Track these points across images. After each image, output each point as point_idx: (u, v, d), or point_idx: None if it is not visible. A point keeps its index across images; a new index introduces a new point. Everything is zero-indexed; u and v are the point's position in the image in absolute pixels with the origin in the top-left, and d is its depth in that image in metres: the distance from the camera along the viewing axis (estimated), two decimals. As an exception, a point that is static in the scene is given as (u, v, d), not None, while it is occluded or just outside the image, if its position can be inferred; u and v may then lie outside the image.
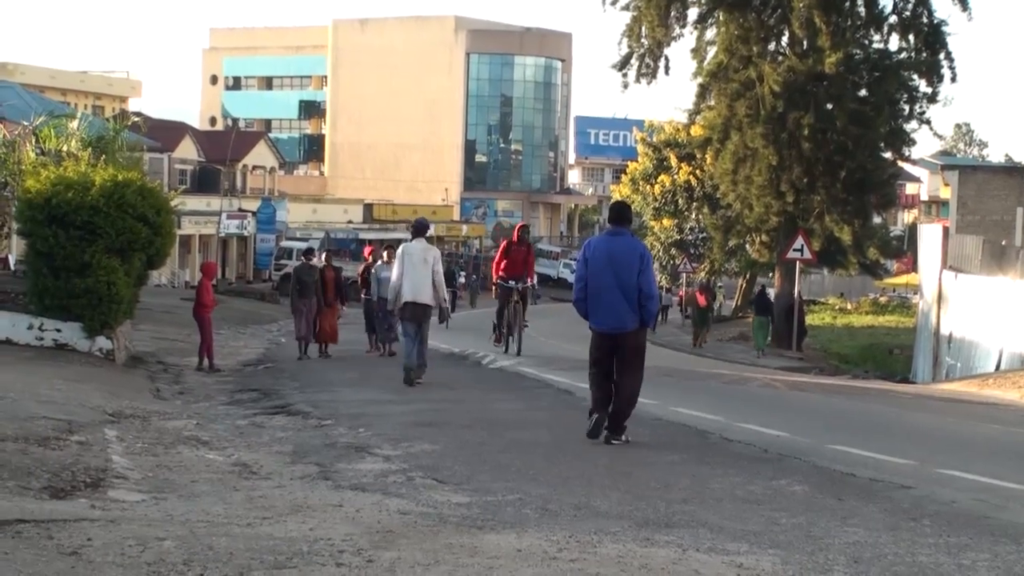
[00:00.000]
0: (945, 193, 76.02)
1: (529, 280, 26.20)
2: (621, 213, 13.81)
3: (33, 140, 26.05)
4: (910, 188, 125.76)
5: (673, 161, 67.82)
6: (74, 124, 26.68)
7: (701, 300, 48.07)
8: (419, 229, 20.91)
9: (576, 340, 39.28)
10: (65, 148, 25.57)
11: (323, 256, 30.71)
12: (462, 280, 75.98)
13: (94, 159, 24.81)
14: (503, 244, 26.68)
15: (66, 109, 38.37)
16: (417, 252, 20.12)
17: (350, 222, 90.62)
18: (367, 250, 31.96)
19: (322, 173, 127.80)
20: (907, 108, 45.61)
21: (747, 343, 48.02)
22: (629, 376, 13.18)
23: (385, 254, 27.03)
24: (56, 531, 7.86)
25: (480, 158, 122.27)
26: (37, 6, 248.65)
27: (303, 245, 69.56)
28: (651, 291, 13.16)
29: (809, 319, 51.85)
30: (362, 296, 29.69)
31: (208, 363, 24.53)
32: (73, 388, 17.52)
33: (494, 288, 26.62)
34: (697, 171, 64.92)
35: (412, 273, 19.95)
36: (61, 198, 21.95)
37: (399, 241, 26.04)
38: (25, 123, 27.45)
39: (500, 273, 25.87)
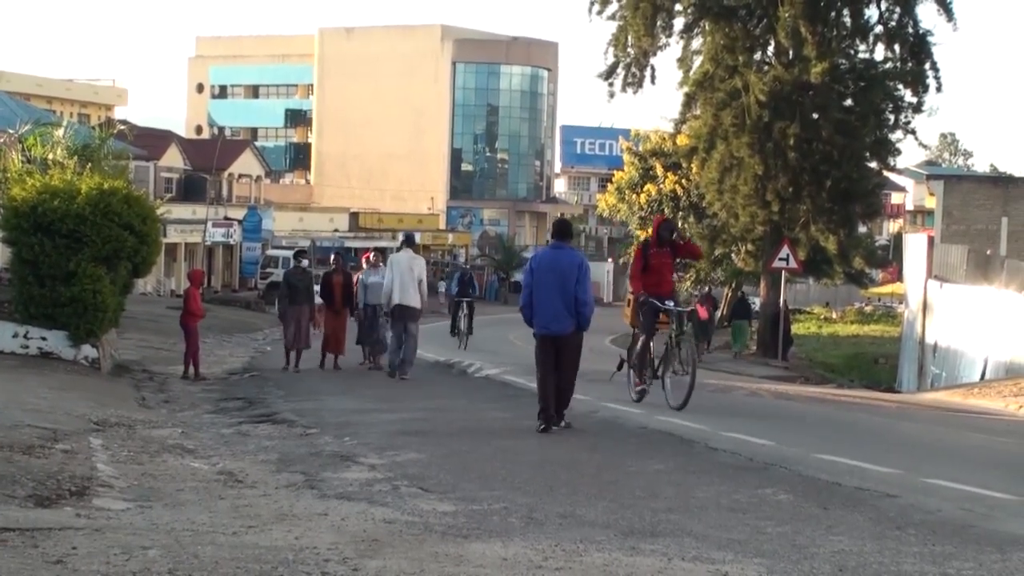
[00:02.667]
0: (930, 203, 76.16)
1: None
2: (563, 229, 15.79)
3: (19, 148, 26.01)
4: (895, 198, 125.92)
5: (659, 170, 67.85)
6: (60, 132, 26.65)
7: (702, 313, 47.45)
8: (408, 241, 24.41)
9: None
10: (51, 156, 25.53)
11: (332, 259, 28.78)
12: (442, 289, 75.90)
13: (80, 167, 24.77)
14: (638, 249, 18.49)
15: (52, 117, 38.33)
16: (404, 261, 23.44)
17: (336, 231, 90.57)
18: (366, 256, 28.67)
19: (308, 182, 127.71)
20: (892, 118, 45.66)
21: (730, 350, 48.14)
22: (569, 372, 15.18)
23: (372, 258, 26.53)
24: (41, 539, 7.85)
25: (466, 167, 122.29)
26: (22, 13, 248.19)
27: (289, 253, 69.68)
28: (586, 298, 15.02)
29: (795, 328, 51.91)
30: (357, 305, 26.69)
31: (194, 371, 24.50)
32: (58, 396, 17.49)
33: (630, 309, 18.13)
34: (683, 180, 64.92)
35: (400, 280, 23.12)
36: (47, 206, 21.93)
37: (386, 248, 25.94)
38: (11, 131, 27.39)
39: (640, 289, 17.68)
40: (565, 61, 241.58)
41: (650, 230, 19.01)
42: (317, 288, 26.95)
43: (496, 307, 72.55)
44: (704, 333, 47.49)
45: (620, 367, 18.46)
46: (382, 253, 25.94)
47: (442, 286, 78.55)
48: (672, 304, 17.43)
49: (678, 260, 19.09)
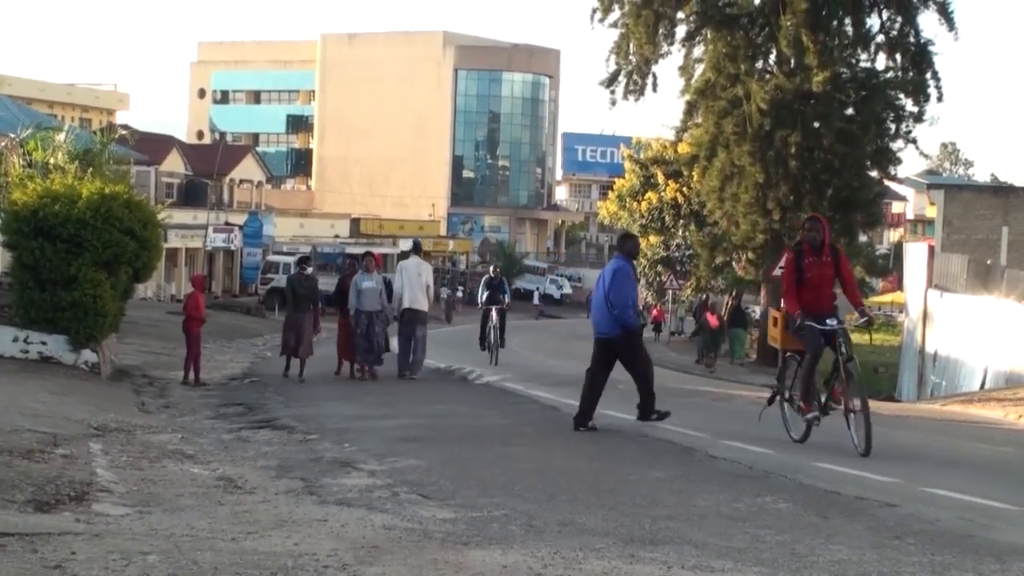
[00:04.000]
0: (931, 212, 76.12)
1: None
2: (621, 240, 16.93)
3: (20, 152, 26.01)
4: (896, 207, 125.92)
5: (660, 178, 67.89)
6: (61, 136, 26.64)
7: (713, 322, 47.06)
8: (416, 248, 25.91)
9: (563, 356, 39.41)
10: (52, 161, 25.53)
11: (347, 264, 28.02)
12: (444, 295, 75.88)
13: (81, 172, 24.76)
14: (789, 256, 15.46)
15: (53, 121, 38.30)
16: (412, 267, 24.67)
17: (337, 236, 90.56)
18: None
19: (309, 187, 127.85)
20: (893, 127, 45.73)
21: (729, 358, 48.15)
22: (632, 367, 16.08)
23: (365, 263, 25.23)
24: (40, 544, 7.85)
25: (467, 174, 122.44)
26: (25, 19, 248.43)
27: (290, 259, 69.63)
28: (615, 300, 15.71)
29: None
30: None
31: (194, 377, 24.47)
32: (58, 401, 17.49)
33: (779, 329, 15.66)
34: (684, 188, 64.97)
35: (409, 285, 24.27)
36: (48, 211, 21.93)
37: (383, 253, 25.72)
38: (12, 135, 27.40)
39: (796, 309, 14.78)
40: (567, 68, 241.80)
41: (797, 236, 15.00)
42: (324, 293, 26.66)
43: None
44: (716, 343, 47.32)
45: (772, 400, 15.67)
46: (372, 257, 25.41)
47: (444, 292, 78.49)
48: (836, 323, 14.60)
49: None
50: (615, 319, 15.78)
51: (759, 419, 15.53)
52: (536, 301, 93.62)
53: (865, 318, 14.93)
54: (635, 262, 17.10)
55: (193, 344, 24.66)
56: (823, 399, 14.68)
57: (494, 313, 31.95)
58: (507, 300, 33.32)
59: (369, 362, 24.55)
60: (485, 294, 32.39)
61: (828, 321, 14.47)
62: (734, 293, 65.12)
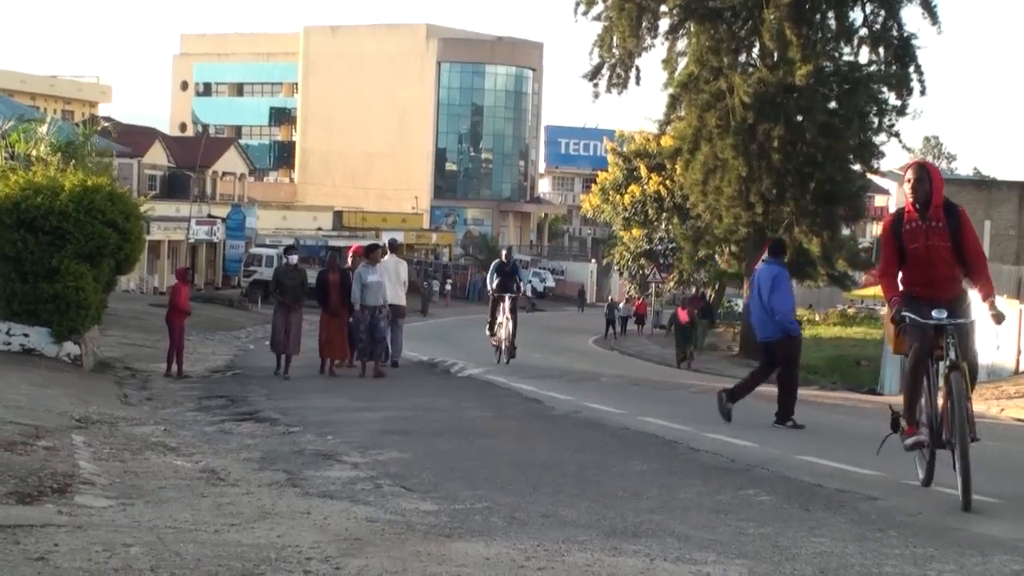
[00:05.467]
0: (913, 206, 76.18)
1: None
2: (773, 247, 17.32)
3: (2, 144, 25.93)
4: (879, 200, 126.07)
5: (643, 171, 68.00)
6: (43, 129, 26.58)
7: (682, 316, 46.55)
8: (393, 247, 26.36)
9: (545, 350, 39.40)
10: (34, 153, 25.47)
11: (327, 257, 27.26)
12: (436, 288, 75.91)
13: (63, 164, 24.71)
14: (886, 221, 11.03)
15: (35, 114, 38.25)
16: (391, 266, 25.40)
17: (320, 229, 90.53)
18: (352, 248, 28.00)
19: (292, 180, 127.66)
20: (876, 121, 45.88)
21: (714, 352, 48.25)
22: (786, 368, 16.72)
23: (371, 255, 24.55)
24: (23, 536, 7.82)
25: (450, 166, 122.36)
26: (7, 10, 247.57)
27: (272, 252, 69.55)
28: (776, 306, 16.37)
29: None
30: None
31: (177, 369, 24.42)
32: (40, 393, 17.45)
33: (894, 329, 10.81)
34: (667, 181, 65.08)
35: (390, 282, 24.86)
36: (30, 203, 21.87)
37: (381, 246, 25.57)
38: (-6, 127, 27.32)
39: (894, 292, 10.80)
40: (550, 61, 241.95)
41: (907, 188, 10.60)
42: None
43: (480, 307, 72.45)
44: (687, 338, 46.55)
45: (895, 426, 11.15)
46: (379, 248, 25.03)
47: (435, 284, 78.41)
48: (946, 315, 10.51)
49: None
50: (777, 324, 16.42)
51: (877, 453, 11.53)
52: (529, 293, 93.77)
53: (994, 312, 10.83)
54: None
55: (177, 336, 24.61)
56: (942, 432, 10.43)
57: (507, 302, 28.35)
58: (522, 288, 31.62)
59: (372, 355, 23.97)
60: (496, 280, 28.57)
61: (934, 313, 10.43)
62: (716, 286, 65.27)
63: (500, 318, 28.45)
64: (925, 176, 10.46)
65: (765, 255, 17.04)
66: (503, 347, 28.40)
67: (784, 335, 16.46)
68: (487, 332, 29.38)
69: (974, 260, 10.71)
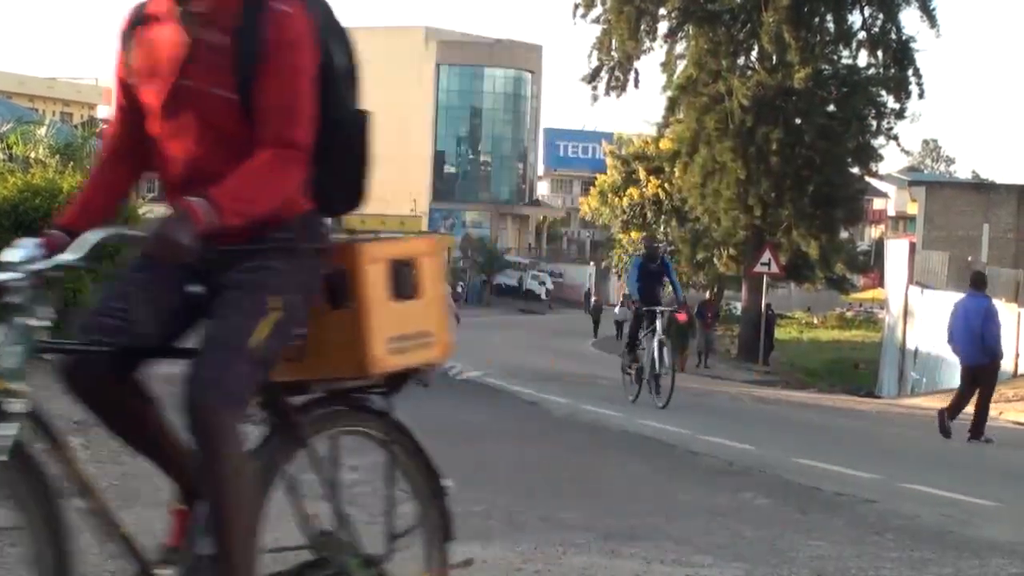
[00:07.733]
0: (912, 209, 76.27)
1: None
2: (975, 280, 18.94)
3: (0, 146, 25.90)
4: (877, 203, 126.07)
5: (642, 174, 67.91)
6: (42, 130, 26.52)
7: (681, 317, 45.93)
8: None
9: (543, 352, 39.36)
10: (33, 155, 25.40)
11: None
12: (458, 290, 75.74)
13: (62, 166, 24.65)
14: None
15: (34, 115, 38.17)
16: None
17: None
18: None
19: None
20: (875, 124, 45.88)
21: (712, 356, 48.22)
22: (986, 387, 17.99)
23: None
24: (19, 539, 7.80)
25: (449, 169, 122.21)
26: (4, 12, 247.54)
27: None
28: (992, 339, 17.85)
29: (776, 333, 51.99)
30: None
31: (174, 371, 24.38)
32: (38, 396, 17.41)
33: None
34: (666, 184, 64.98)
35: None
36: (28, 205, 21.81)
37: None
38: (-8, 129, 27.28)
39: None
40: (549, 64, 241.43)
41: None
42: None
43: (479, 310, 72.46)
44: (683, 339, 46.35)
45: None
46: None
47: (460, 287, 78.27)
48: None
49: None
50: (986, 351, 17.95)
51: None
52: (544, 296, 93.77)
53: None
54: None
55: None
56: None
57: (661, 319, 19.49)
58: (680, 295, 21.81)
59: None
60: (638, 284, 20.09)
61: None
62: (715, 289, 65.27)
63: (653, 343, 19.30)
64: None
65: (970, 288, 19.06)
66: (655, 382, 19.20)
67: (991, 361, 18.17)
68: (622, 356, 21.50)
69: None
